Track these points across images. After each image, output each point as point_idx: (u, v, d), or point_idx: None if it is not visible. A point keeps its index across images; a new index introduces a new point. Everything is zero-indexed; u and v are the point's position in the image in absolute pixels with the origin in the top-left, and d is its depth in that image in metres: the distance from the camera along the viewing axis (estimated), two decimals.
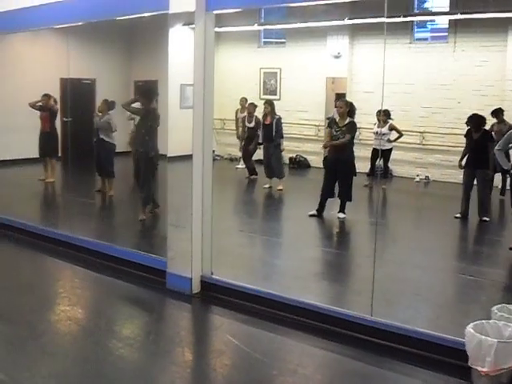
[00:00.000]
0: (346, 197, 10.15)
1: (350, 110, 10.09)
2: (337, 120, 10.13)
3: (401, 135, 13.14)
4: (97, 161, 11.58)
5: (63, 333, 5.57)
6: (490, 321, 4.70)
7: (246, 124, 14.19)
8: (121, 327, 5.81)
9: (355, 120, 10.28)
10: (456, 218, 10.23)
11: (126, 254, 7.38)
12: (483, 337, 4.38)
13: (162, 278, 6.71)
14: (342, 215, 10.15)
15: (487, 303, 6.26)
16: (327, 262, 8.13)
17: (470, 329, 4.51)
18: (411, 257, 8.30)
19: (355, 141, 10.67)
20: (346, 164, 10.04)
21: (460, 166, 10.57)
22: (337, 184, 10.16)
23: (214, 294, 6.39)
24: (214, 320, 6.19)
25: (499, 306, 4.98)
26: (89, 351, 5.20)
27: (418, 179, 14.84)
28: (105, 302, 6.59)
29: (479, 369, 4.38)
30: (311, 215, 10.09)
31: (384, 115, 13.06)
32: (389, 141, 13.26)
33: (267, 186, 13.10)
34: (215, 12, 6.33)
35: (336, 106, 10.20)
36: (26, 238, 8.66)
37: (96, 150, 11.47)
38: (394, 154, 13.84)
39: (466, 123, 10.38)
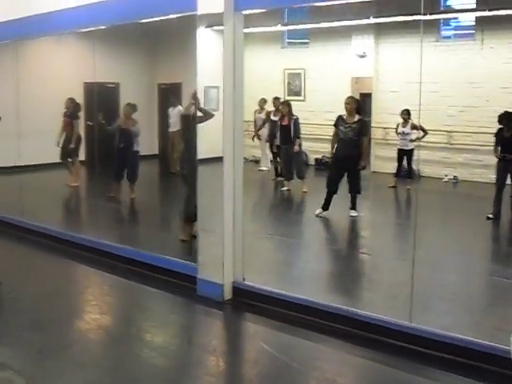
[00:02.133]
0: (355, 190, 10.20)
1: (358, 107, 10.00)
2: (344, 117, 10.09)
3: (425, 133, 12.88)
4: (119, 167, 11.51)
5: (94, 342, 5.48)
6: None
7: (272, 117, 14.05)
8: (152, 335, 5.69)
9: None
10: (488, 218, 10.01)
11: (155, 259, 7.28)
12: None
13: (192, 284, 6.60)
14: (354, 213, 10.21)
15: None
16: (360, 266, 8.00)
17: None
18: (444, 260, 8.12)
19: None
20: (355, 160, 10.01)
21: (496, 155, 10.29)
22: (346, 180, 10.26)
23: (247, 301, 6.27)
24: (248, 327, 6.06)
25: None
26: (120, 360, 5.10)
27: (446, 179, 14.61)
28: (135, 309, 6.48)
29: None
30: (318, 215, 10.11)
31: (406, 114, 12.92)
32: (411, 140, 13.06)
33: (285, 188, 12.96)
34: (244, 12, 6.21)
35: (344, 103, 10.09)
36: (52, 244, 8.60)
37: (121, 157, 11.39)
38: (422, 154, 13.66)
39: (498, 121, 10.15)
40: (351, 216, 10.17)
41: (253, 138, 15.09)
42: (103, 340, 5.53)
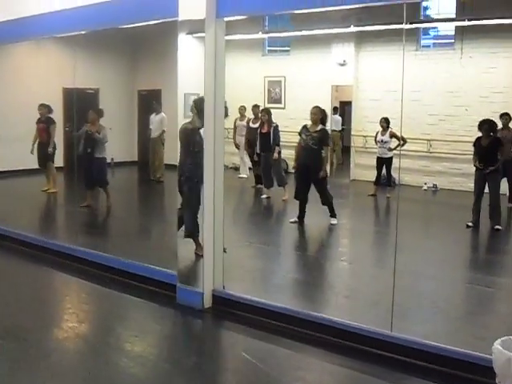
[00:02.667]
0: (326, 201, 10.20)
1: (323, 117, 10.08)
2: (308, 126, 10.15)
3: (400, 143, 12.91)
4: (88, 173, 11.41)
5: (72, 351, 5.39)
6: None
7: (251, 125, 14.07)
8: (131, 345, 5.61)
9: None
10: (468, 226, 10.05)
11: (134, 267, 7.20)
12: None
13: (172, 293, 6.53)
14: (334, 221, 10.24)
15: (508, 316, 6.15)
16: (340, 274, 7.97)
17: (497, 346, 4.31)
18: (424, 268, 8.11)
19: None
20: (315, 169, 9.99)
21: (475, 164, 10.28)
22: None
23: (227, 309, 6.20)
24: (228, 336, 6.00)
25: None
26: (99, 371, 5.00)
27: (425, 187, 14.69)
28: (114, 318, 6.40)
29: None
30: (292, 222, 10.17)
31: (385, 122, 12.98)
32: (389, 149, 13.11)
33: (265, 196, 12.95)
34: (226, 19, 6.18)
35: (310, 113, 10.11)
36: (29, 251, 8.49)
37: (88, 163, 11.28)
38: (402, 163, 13.70)
39: (478, 127, 10.18)
40: (331, 224, 10.16)
41: (236, 146, 15.12)
42: (81, 349, 5.44)
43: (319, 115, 9.95)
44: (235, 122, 15.24)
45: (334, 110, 17.22)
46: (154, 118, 14.32)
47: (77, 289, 7.36)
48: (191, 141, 6.59)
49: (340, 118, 17.60)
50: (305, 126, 10.21)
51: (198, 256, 6.64)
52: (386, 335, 5.18)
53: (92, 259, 7.71)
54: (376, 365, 5.06)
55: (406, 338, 5.09)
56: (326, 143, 10.04)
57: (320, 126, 9.97)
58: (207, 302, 6.32)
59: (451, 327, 5.96)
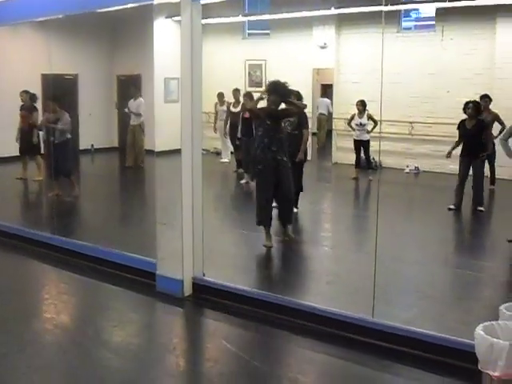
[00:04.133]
0: (297, 187, 9.60)
1: (299, 100, 9.73)
2: None
3: (376, 124, 12.90)
4: (53, 163, 10.96)
5: (49, 343, 5.29)
6: (500, 322, 4.45)
7: (231, 109, 13.97)
8: (110, 335, 5.53)
9: None
10: (450, 209, 10.03)
11: (113, 255, 7.10)
12: (494, 339, 4.13)
13: (152, 281, 6.45)
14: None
15: (490, 300, 6.13)
16: (321, 259, 7.90)
17: (479, 331, 4.26)
18: (407, 252, 8.10)
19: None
20: (294, 155, 9.35)
21: (448, 156, 10.34)
22: None
23: (207, 297, 6.13)
24: (208, 325, 5.91)
25: (507, 304, 4.72)
26: (77, 363, 4.92)
27: (407, 170, 14.66)
28: (92, 307, 6.31)
29: (490, 373, 4.13)
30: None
31: (361, 105, 12.94)
32: (367, 132, 13.09)
33: (244, 181, 12.82)
34: (202, 2, 6.06)
35: None
36: (6, 240, 8.36)
37: (53, 152, 10.92)
38: (383, 145, 13.65)
39: (464, 110, 10.13)
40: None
41: (214, 130, 15.05)
42: (59, 341, 5.34)
43: (294, 98, 9.70)
44: (215, 107, 15.13)
45: (323, 92, 17.11)
46: (132, 104, 14.14)
47: (55, 278, 7.26)
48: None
49: (329, 101, 17.34)
50: None
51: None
52: (367, 321, 5.13)
53: (69, 247, 7.61)
54: (358, 351, 5.01)
55: (387, 324, 5.04)
56: (304, 126, 9.76)
57: None
58: (187, 290, 6.25)
59: (434, 312, 5.92)
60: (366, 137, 13.15)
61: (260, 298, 5.83)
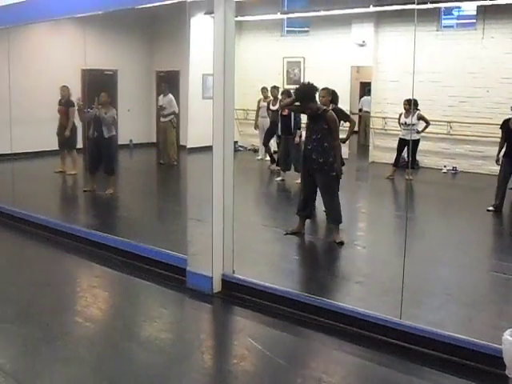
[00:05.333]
0: None
1: (333, 98, 9.70)
2: None
3: (428, 125, 12.82)
4: (94, 158, 11.32)
5: (79, 336, 5.35)
6: None
7: (270, 107, 13.94)
8: (139, 329, 5.58)
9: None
10: (489, 211, 9.87)
11: (145, 250, 7.16)
12: None
13: (182, 277, 6.49)
14: None
15: None
16: (353, 259, 7.84)
17: (507, 336, 4.19)
18: (441, 253, 7.98)
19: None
20: None
21: (497, 162, 10.16)
22: None
23: (236, 294, 6.15)
24: (236, 322, 5.93)
25: None
26: (105, 356, 4.99)
27: (445, 170, 14.48)
28: (123, 301, 6.38)
29: None
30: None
31: (407, 104, 12.80)
32: (417, 132, 12.95)
33: (280, 178, 12.79)
34: None
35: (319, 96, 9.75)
36: (43, 233, 8.50)
37: (96, 147, 11.16)
38: (421, 145, 13.50)
39: None
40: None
41: (255, 127, 15.03)
42: (89, 334, 5.40)
43: (328, 97, 9.60)
44: (259, 103, 15.12)
45: (367, 90, 16.96)
46: (162, 100, 14.21)
47: (87, 272, 7.34)
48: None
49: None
50: None
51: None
52: (394, 322, 5.09)
53: (104, 242, 7.70)
54: (385, 353, 4.97)
55: (415, 326, 4.99)
56: (346, 118, 9.77)
57: (331, 106, 9.65)
58: (216, 287, 6.28)
59: (464, 315, 5.84)
60: (414, 136, 12.97)
61: (288, 296, 5.82)
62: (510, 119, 9.90)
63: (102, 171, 11.21)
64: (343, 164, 9.85)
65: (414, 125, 12.84)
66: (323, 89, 9.66)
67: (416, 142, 13.06)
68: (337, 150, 8.00)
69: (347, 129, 10.29)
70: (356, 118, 16.09)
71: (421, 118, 12.83)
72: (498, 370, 4.31)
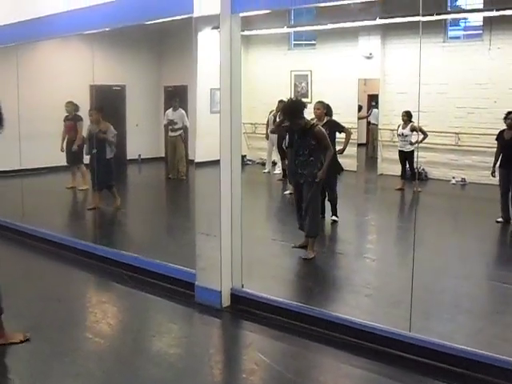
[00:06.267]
0: (333, 198, 9.89)
1: (327, 111, 9.74)
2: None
3: (425, 136, 12.75)
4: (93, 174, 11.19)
5: (88, 351, 5.36)
6: None
7: (277, 120, 13.95)
8: (148, 344, 5.58)
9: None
10: (498, 222, 9.85)
11: (153, 265, 7.17)
12: None
13: (191, 291, 6.50)
14: (335, 218, 9.92)
15: None
16: (362, 271, 7.82)
17: None
18: (450, 265, 7.97)
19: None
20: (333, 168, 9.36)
21: (493, 174, 10.18)
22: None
23: (245, 308, 6.15)
24: (245, 336, 5.91)
25: None
26: (114, 371, 4.99)
27: (453, 181, 14.45)
28: (132, 316, 6.38)
29: None
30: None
31: (405, 115, 12.82)
32: (410, 143, 12.96)
33: (288, 192, 12.79)
34: (241, 14, 6.10)
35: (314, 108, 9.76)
36: (51, 249, 8.53)
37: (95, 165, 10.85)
38: (430, 156, 13.50)
39: (504, 119, 9.99)
40: (332, 220, 9.90)
41: (266, 137, 15.04)
42: (98, 349, 5.40)
43: (322, 110, 9.63)
44: (269, 116, 15.15)
45: (374, 103, 16.96)
46: (172, 115, 14.26)
47: (96, 287, 7.39)
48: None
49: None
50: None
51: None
52: (403, 335, 5.07)
53: (111, 257, 7.73)
54: (394, 366, 4.95)
55: (424, 339, 4.97)
56: (341, 129, 9.73)
57: (326, 119, 9.63)
58: (225, 301, 6.28)
59: (473, 327, 5.81)
60: (408, 148, 13.00)
61: (298, 310, 5.81)
62: (504, 130, 9.94)
63: (103, 187, 11.04)
64: (342, 170, 9.96)
65: (407, 136, 12.89)
66: (318, 102, 9.75)
67: (410, 153, 13.11)
68: (329, 157, 7.97)
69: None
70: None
71: (414, 129, 12.84)
72: (508, 383, 4.30)
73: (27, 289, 6.91)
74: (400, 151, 13.32)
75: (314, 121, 9.41)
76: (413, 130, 12.86)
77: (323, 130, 8.04)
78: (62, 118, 12.73)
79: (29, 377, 4.90)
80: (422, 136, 12.80)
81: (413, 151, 13.04)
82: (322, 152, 7.92)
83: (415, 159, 13.17)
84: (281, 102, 14.25)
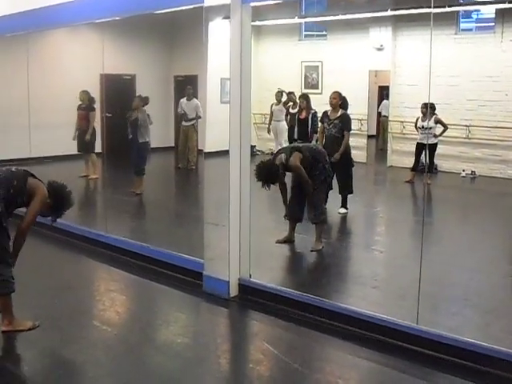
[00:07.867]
0: (346, 190, 9.87)
1: (343, 102, 9.73)
2: (328, 113, 9.81)
3: (446, 129, 12.73)
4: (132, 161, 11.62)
5: (95, 339, 5.38)
6: None
7: (290, 111, 13.91)
8: (155, 333, 5.62)
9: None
10: None
11: (162, 254, 7.20)
12: None
13: (199, 281, 6.51)
14: (343, 210, 9.91)
15: None
16: (370, 263, 7.80)
17: None
18: (459, 258, 7.92)
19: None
20: (341, 158, 9.56)
21: None
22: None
23: (252, 298, 6.17)
24: (252, 326, 5.94)
25: None
26: (121, 359, 5.02)
27: (463, 174, 14.39)
28: (140, 305, 6.42)
29: None
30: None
31: (425, 108, 12.72)
32: (434, 135, 12.86)
33: None
34: (252, 4, 6.08)
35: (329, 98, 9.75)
36: (59, 237, 8.55)
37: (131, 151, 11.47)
38: (439, 149, 13.42)
39: None
40: (339, 213, 9.87)
41: (268, 131, 15.04)
42: (104, 338, 5.41)
43: (338, 100, 9.63)
44: (272, 108, 15.11)
45: (385, 95, 16.89)
46: (186, 105, 14.23)
47: (105, 276, 7.40)
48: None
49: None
50: (325, 113, 9.88)
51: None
52: (411, 328, 5.07)
53: (121, 246, 7.75)
54: (401, 358, 4.95)
55: (431, 331, 4.97)
56: (347, 129, 9.71)
57: (340, 112, 9.67)
58: (233, 291, 6.29)
59: (482, 321, 5.79)
60: (431, 140, 12.85)
61: (305, 300, 5.82)
62: None
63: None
64: (352, 165, 9.93)
65: (430, 128, 12.73)
66: (335, 92, 9.73)
67: (433, 146, 12.91)
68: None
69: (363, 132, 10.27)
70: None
71: (438, 121, 12.72)
72: None
73: (35, 278, 6.90)
74: (419, 144, 13.12)
75: (329, 111, 9.51)
76: (437, 122, 12.73)
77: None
78: (71, 108, 12.79)
79: (37, 364, 4.94)
80: (442, 128, 12.74)
81: (436, 144, 12.91)
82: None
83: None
84: (290, 93, 14.25)
